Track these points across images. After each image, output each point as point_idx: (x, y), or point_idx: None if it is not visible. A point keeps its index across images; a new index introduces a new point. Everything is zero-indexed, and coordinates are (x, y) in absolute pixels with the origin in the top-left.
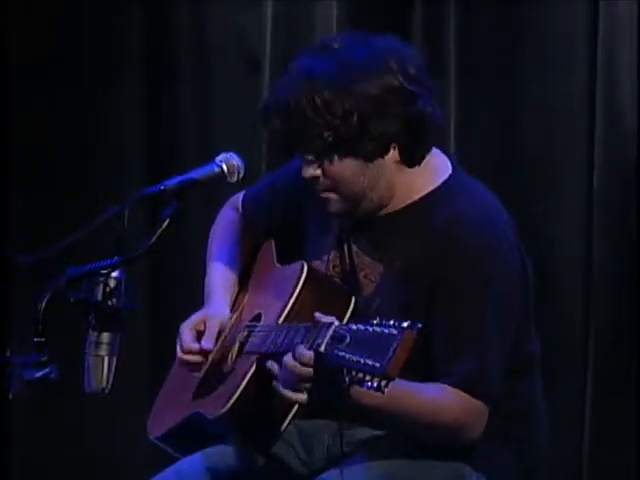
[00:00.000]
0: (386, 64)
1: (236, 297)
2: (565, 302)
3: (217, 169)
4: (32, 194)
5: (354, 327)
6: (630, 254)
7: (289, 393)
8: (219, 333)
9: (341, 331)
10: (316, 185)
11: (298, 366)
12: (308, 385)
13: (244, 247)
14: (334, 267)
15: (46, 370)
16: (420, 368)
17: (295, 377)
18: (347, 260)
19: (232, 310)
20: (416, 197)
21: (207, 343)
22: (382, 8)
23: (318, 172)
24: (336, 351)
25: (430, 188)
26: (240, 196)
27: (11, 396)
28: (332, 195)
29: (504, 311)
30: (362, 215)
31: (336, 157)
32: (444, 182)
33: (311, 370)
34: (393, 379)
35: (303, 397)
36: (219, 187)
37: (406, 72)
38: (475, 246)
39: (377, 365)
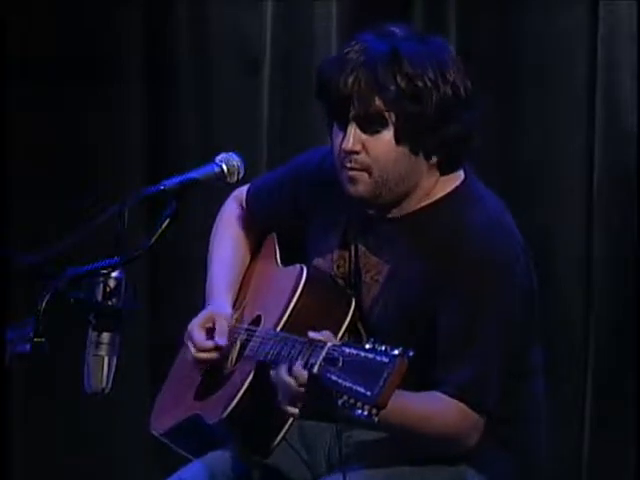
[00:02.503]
0: (456, 62)
1: (238, 295)
2: (565, 302)
3: (217, 169)
4: (32, 194)
5: (347, 350)
6: (630, 254)
7: (284, 405)
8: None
9: (334, 353)
10: (350, 162)
11: (293, 383)
12: (300, 402)
13: (247, 242)
14: (338, 267)
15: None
16: (418, 375)
17: (289, 393)
18: (352, 260)
19: (234, 308)
20: (428, 201)
21: (221, 339)
22: (382, 8)
23: (359, 147)
24: (328, 374)
25: (442, 193)
26: (244, 189)
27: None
28: (364, 175)
29: (506, 322)
30: (381, 203)
31: (390, 136)
32: (455, 189)
33: (303, 390)
34: (384, 408)
35: (295, 411)
36: (219, 187)
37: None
38: (481, 255)
39: (368, 394)
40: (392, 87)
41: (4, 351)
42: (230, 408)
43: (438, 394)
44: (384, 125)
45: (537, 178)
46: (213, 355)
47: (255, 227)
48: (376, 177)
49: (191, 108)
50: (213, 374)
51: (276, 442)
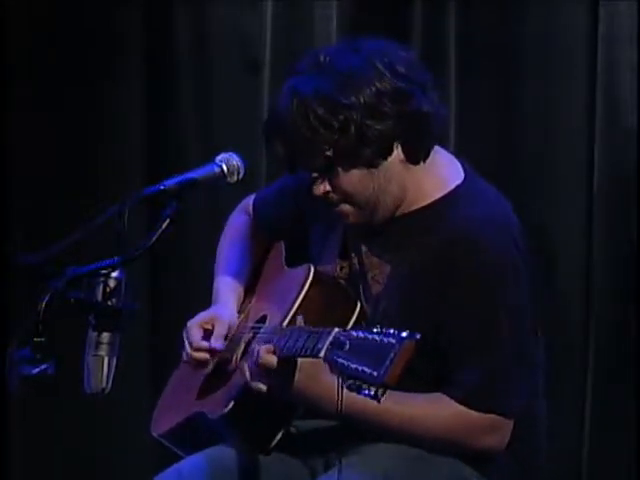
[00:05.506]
0: (374, 69)
1: (244, 299)
2: (565, 302)
3: (217, 169)
4: (32, 194)
5: (354, 334)
6: (630, 254)
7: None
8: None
9: (341, 337)
10: (329, 200)
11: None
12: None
13: (253, 250)
14: (342, 269)
15: (43, 366)
16: (425, 375)
17: (257, 371)
18: (355, 261)
19: (239, 312)
20: (428, 201)
21: (217, 343)
22: (382, 8)
23: (328, 187)
24: (335, 357)
25: (442, 193)
26: (250, 199)
27: (10, 393)
28: (347, 207)
29: (515, 321)
30: (381, 220)
31: (340, 170)
32: (456, 187)
33: (269, 372)
34: (390, 388)
35: (261, 387)
36: (219, 187)
37: (395, 72)
38: (485, 253)
39: (374, 374)
40: (313, 136)
41: (4, 350)
42: (233, 403)
43: (440, 396)
44: (332, 165)
45: (537, 178)
46: (205, 356)
47: (262, 235)
48: (357, 203)
49: (191, 108)
50: (216, 374)
51: (277, 438)
